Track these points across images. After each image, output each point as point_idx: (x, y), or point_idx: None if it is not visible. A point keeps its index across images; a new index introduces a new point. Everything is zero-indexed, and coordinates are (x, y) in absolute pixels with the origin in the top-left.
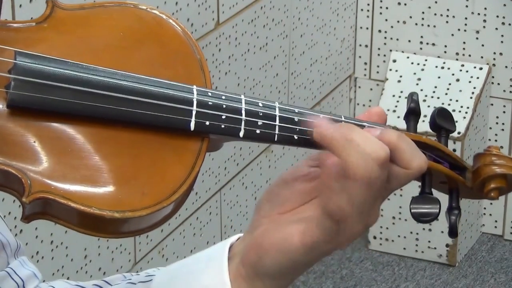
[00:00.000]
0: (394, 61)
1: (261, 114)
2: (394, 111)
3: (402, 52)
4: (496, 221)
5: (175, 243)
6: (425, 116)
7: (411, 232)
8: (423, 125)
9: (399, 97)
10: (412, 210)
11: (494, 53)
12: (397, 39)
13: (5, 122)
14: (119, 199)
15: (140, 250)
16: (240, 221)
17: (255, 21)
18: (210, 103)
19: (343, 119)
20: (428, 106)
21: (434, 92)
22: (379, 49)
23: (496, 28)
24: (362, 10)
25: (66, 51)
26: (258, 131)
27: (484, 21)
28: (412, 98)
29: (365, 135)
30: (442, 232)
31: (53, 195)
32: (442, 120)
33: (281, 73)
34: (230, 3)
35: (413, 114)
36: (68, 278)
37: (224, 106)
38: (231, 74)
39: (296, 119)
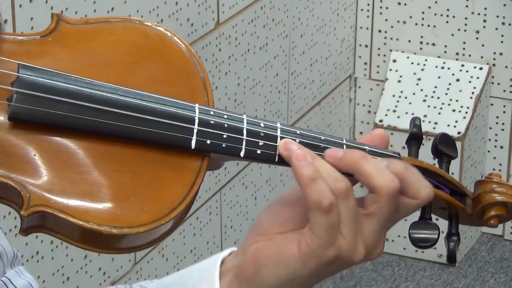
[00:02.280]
0: (394, 61)
1: (262, 134)
2: (394, 111)
3: (402, 52)
4: None
5: (175, 243)
6: (425, 116)
7: None
8: (424, 125)
9: (399, 97)
10: (411, 235)
11: (494, 53)
12: (397, 39)
13: (6, 135)
14: (118, 215)
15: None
16: (240, 221)
17: (255, 21)
18: (211, 122)
19: (344, 141)
20: (428, 106)
21: (434, 92)
22: (379, 49)
23: (496, 28)
24: (362, 10)
25: (69, 65)
26: (258, 151)
27: (484, 21)
28: (415, 123)
29: (378, 166)
30: (442, 232)
31: (51, 209)
32: (444, 146)
33: (281, 73)
34: (230, 3)
35: (415, 139)
36: (68, 278)
37: (225, 125)
38: (231, 74)
39: (297, 140)
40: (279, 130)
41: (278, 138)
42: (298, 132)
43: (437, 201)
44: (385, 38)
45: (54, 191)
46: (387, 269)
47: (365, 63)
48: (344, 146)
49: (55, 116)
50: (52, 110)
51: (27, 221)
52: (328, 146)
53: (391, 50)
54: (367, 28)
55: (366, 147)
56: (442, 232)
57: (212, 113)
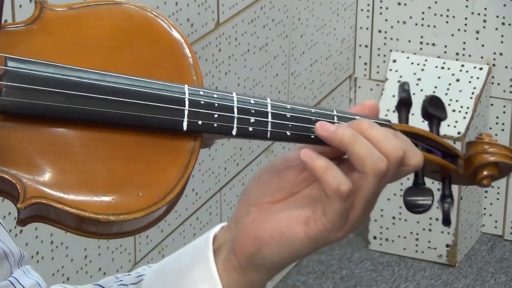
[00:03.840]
0: (394, 61)
1: (253, 111)
2: (394, 111)
3: (402, 52)
4: (496, 221)
5: (175, 243)
6: None
7: (411, 232)
8: (424, 125)
9: None
10: (406, 201)
11: (494, 53)
12: (397, 39)
13: None
14: (114, 202)
15: (140, 250)
16: None
17: (255, 21)
18: (202, 102)
19: (335, 113)
20: None
21: (434, 92)
22: (379, 49)
23: (496, 28)
24: (362, 10)
25: (56, 53)
26: (250, 129)
27: (484, 21)
28: (404, 88)
29: (384, 133)
30: (442, 232)
31: (47, 200)
32: (434, 109)
33: (281, 73)
34: (230, 3)
35: (404, 104)
36: (68, 278)
37: (216, 104)
38: (231, 74)
39: (288, 115)
40: (269, 106)
41: (269, 114)
42: (288, 107)
43: (430, 165)
44: (385, 38)
45: (49, 182)
46: (387, 269)
47: (365, 63)
48: (335, 117)
49: (45, 107)
50: (43, 102)
51: (24, 213)
52: (319, 118)
53: (391, 50)
54: (367, 28)
55: (357, 117)
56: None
57: (201, 93)
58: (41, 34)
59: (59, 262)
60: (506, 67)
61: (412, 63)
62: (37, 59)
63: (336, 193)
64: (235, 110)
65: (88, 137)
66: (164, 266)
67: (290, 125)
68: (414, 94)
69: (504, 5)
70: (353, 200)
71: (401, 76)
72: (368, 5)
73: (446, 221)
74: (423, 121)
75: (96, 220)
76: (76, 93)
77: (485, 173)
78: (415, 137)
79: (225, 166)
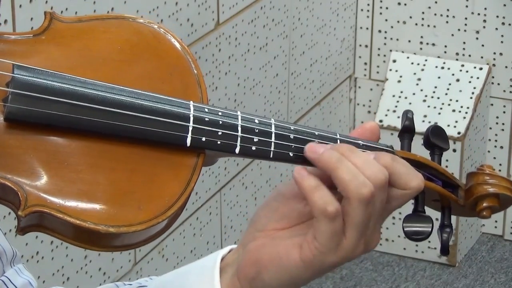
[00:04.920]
0: (394, 61)
1: (257, 130)
2: (394, 111)
3: (402, 52)
4: (496, 221)
5: (175, 243)
6: (425, 116)
7: None
8: (424, 125)
9: (399, 97)
10: (405, 229)
11: (494, 53)
12: (397, 39)
13: (2, 135)
14: (115, 214)
15: (140, 250)
16: (240, 221)
17: (255, 21)
18: (206, 119)
19: (338, 136)
20: (428, 106)
21: (434, 92)
22: (379, 49)
23: (496, 28)
24: (362, 10)
25: (63, 64)
26: (253, 148)
27: (484, 21)
28: (407, 116)
29: (365, 158)
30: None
31: (48, 209)
32: (436, 138)
33: (281, 73)
34: (230, 3)
35: (407, 132)
36: (68, 278)
37: (220, 122)
38: (231, 74)
39: (291, 136)
40: (273, 126)
41: (273, 135)
42: (292, 128)
43: (430, 193)
44: (385, 38)
45: (51, 191)
46: (387, 269)
47: (365, 63)
48: (338, 141)
49: (51, 116)
50: (48, 110)
51: (24, 221)
52: (322, 141)
53: (391, 50)
54: (367, 28)
55: (360, 142)
56: (437, 219)
57: (206, 110)
58: (50, 45)
59: (59, 262)
60: (506, 67)
61: (412, 63)
62: (45, 69)
63: (322, 213)
64: (239, 128)
65: (91, 148)
66: (168, 279)
67: (293, 147)
68: (414, 94)
69: (504, 5)
70: (344, 225)
71: (401, 76)
72: (368, 5)
73: (444, 251)
74: (423, 121)
75: (96, 232)
76: (81, 103)
77: (484, 204)
78: (416, 164)
79: (225, 166)
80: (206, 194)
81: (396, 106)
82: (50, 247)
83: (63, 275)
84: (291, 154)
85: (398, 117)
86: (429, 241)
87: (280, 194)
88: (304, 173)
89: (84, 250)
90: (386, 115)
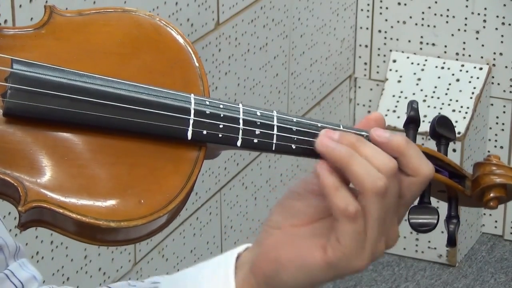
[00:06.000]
0: (394, 61)
1: (258, 123)
2: (394, 111)
3: (402, 52)
4: (496, 221)
5: (175, 243)
6: (425, 116)
7: (411, 232)
8: (424, 125)
9: (399, 97)
10: (410, 220)
11: (494, 53)
12: (397, 39)
13: (1, 130)
14: (115, 209)
15: (140, 250)
16: (240, 221)
17: (255, 21)
18: (207, 112)
19: (341, 128)
20: (428, 106)
21: (434, 92)
22: (379, 49)
23: (496, 28)
24: (362, 10)
25: (63, 58)
26: (255, 140)
27: (484, 21)
28: (412, 106)
29: (372, 148)
30: (442, 232)
31: (49, 204)
32: (442, 128)
33: (281, 73)
34: (230, 3)
35: (412, 122)
36: (68, 278)
37: (221, 115)
38: (231, 74)
39: (294, 128)
40: (275, 118)
41: (275, 127)
42: (294, 120)
43: (436, 184)
44: (385, 38)
45: (51, 186)
46: (387, 269)
47: (365, 63)
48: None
49: (50, 110)
50: (47, 105)
51: (25, 216)
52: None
53: (391, 50)
54: (367, 28)
55: (364, 133)
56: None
57: (207, 103)
58: (50, 39)
59: (59, 262)
60: (506, 67)
61: (412, 63)
62: (44, 63)
63: (343, 213)
64: (241, 121)
65: (91, 142)
66: (182, 276)
67: (295, 139)
68: (414, 94)
69: (504, 5)
70: (365, 225)
71: (401, 76)
72: (368, 5)
73: (451, 242)
74: (423, 121)
75: (96, 226)
76: (80, 97)
77: (491, 194)
78: None
79: (225, 166)
80: (206, 194)
81: (396, 106)
82: (50, 247)
83: (63, 275)
84: (293, 147)
85: (398, 117)
86: (429, 241)
87: (293, 192)
88: (328, 169)
89: (84, 250)
90: (386, 115)
